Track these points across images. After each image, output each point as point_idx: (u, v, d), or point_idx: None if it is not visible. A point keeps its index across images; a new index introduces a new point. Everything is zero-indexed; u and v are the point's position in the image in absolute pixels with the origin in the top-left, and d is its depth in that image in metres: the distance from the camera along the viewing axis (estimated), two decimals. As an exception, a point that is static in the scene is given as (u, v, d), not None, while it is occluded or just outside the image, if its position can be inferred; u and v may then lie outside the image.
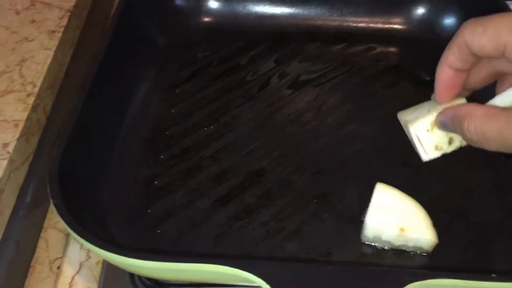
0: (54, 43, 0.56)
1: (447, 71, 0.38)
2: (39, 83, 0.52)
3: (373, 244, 0.44)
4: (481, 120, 0.33)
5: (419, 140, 0.43)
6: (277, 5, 0.65)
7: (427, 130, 0.43)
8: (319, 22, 0.66)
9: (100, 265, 0.45)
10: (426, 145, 0.44)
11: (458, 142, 0.43)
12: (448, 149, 0.43)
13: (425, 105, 0.46)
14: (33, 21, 0.59)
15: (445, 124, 0.38)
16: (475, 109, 0.34)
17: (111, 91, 0.51)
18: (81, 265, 0.46)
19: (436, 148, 0.44)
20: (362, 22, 0.66)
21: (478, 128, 0.33)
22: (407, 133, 0.48)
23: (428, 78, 0.61)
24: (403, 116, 0.47)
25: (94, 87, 0.47)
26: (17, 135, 0.47)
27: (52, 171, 0.39)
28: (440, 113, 0.39)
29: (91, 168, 0.45)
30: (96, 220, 0.42)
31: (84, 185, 0.43)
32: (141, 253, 0.34)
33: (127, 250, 0.35)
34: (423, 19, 0.64)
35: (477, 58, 0.37)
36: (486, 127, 0.33)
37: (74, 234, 0.35)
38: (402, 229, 0.43)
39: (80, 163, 0.43)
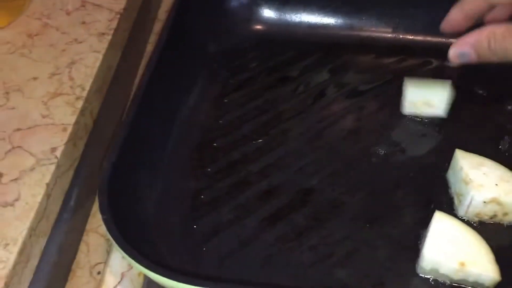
0: (103, 45, 0.56)
1: (458, 15, 0.45)
2: (88, 86, 0.51)
3: (429, 277, 0.41)
4: (503, 36, 0.40)
5: (470, 202, 0.43)
6: (330, 15, 0.63)
7: (484, 202, 0.42)
8: (373, 33, 0.63)
9: (142, 276, 0.44)
10: (471, 209, 0.43)
11: (499, 219, 0.45)
12: (487, 220, 0.45)
13: (492, 170, 0.44)
14: (83, 23, 0.59)
15: (464, 54, 0.43)
16: (496, 28, 0.40)
17: (161, 100, 0.50)
18: (122, 275, 0.45)
19: (477, 215, 0.44)
20: (418, 35, 0.63)
21: (499, 44, 0.40)
22: (454, 170, 0.46)
23: (485, 95, 0.58)
24: (463, 160, 0.45)
25: (145, 96, 0.46)
26: (65, 139, 0.47)
27: (102, 185, 0.38)
28: (455, 45, 0.43)
29: (139, 181, 0.44)
30: (143, 235, 0.41)
31: (132, 198, 0.42)
32: (188, 278, 0.33)
33: (174, 272, 0.33)
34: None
35: (490, 7, 0.44)
36: (507, 42, 0.40)
37: (122, 252, 0.34)
38: (462, 264, 0.40)
39: (129, 176, 0.42)
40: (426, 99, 0.53)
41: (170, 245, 0.42)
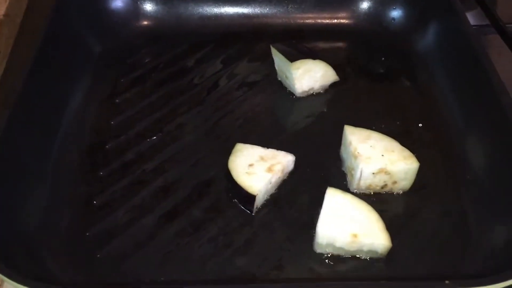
0: (-19, 55, 0.52)
1: None
2: (-36, 100, 0.48)
3: (327, 252, 0.42)
4: None
5: (361, 175, 0.44)
6: (220, 5, 0.63)
7: (373, 173, 0.43)
8: (265, 20, 0.63)
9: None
10: (363, 182, 0.45)
11: (389, 188, 0.46)
12: (378, 191, 0.46)
13: (378, 141, 0.46)
14: (-43, 33, 0.55)
15: None
16: None
17: (42, 104, 0.48)
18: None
19: (369, 187, 0.45)
20: (309, 18, 0.64)
21: None
22: (344, 146, 0.48)
23: (382, 71, 0.60)
24: (351, 135, 0.46)
25: (21, 102, 0.44)
26: None
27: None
28: None
29: (20, 192, 0.42)
30: (28, 250, 0.39)
31: (11, 212, 0.40)
32: None
33: (57, 285, 0.31)
34: (369, 13, 0.63)
35: None
36: None
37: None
38: (355, 235, 0.41)
39: (6, 188, 0.40)
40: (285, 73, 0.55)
41: (60, 256, 0.40)
